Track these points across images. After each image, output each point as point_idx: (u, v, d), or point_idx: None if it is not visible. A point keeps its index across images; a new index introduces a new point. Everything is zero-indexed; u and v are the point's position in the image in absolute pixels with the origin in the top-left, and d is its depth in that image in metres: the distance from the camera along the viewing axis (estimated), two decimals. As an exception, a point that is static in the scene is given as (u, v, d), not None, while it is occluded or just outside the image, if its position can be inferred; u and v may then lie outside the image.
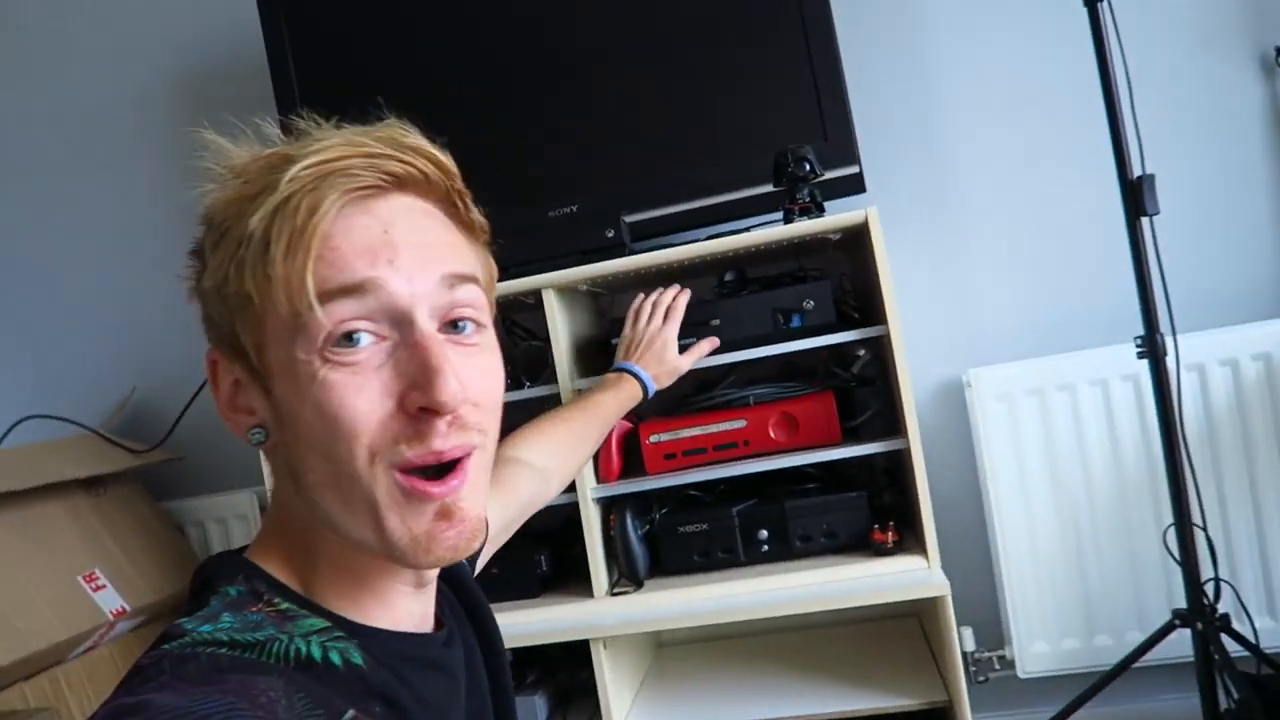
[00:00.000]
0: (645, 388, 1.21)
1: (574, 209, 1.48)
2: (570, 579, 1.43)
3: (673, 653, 1.62)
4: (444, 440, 0.51)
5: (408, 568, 0.56)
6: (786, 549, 1.33)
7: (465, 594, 0.70)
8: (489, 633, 0.70)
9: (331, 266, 0.50)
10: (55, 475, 1.55)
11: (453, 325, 0.54)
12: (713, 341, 1.28)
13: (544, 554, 1.41)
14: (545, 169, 1.53)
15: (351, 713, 0.49)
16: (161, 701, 0.42)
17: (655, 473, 1.35)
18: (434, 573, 0.61)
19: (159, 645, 0.48)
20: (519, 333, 1.51)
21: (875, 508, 1.34)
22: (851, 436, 1.32)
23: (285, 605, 0.53)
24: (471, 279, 0.55)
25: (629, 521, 1.34)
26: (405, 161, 0.53)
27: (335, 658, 0.51)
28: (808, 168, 1.25)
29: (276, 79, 1.62)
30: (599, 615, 1.31)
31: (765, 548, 1.33)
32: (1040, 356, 1.49)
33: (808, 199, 1.26)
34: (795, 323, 1.29)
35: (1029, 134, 1.57)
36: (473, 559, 0.80)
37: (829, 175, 1.32)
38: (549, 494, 1.03)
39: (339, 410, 0.50)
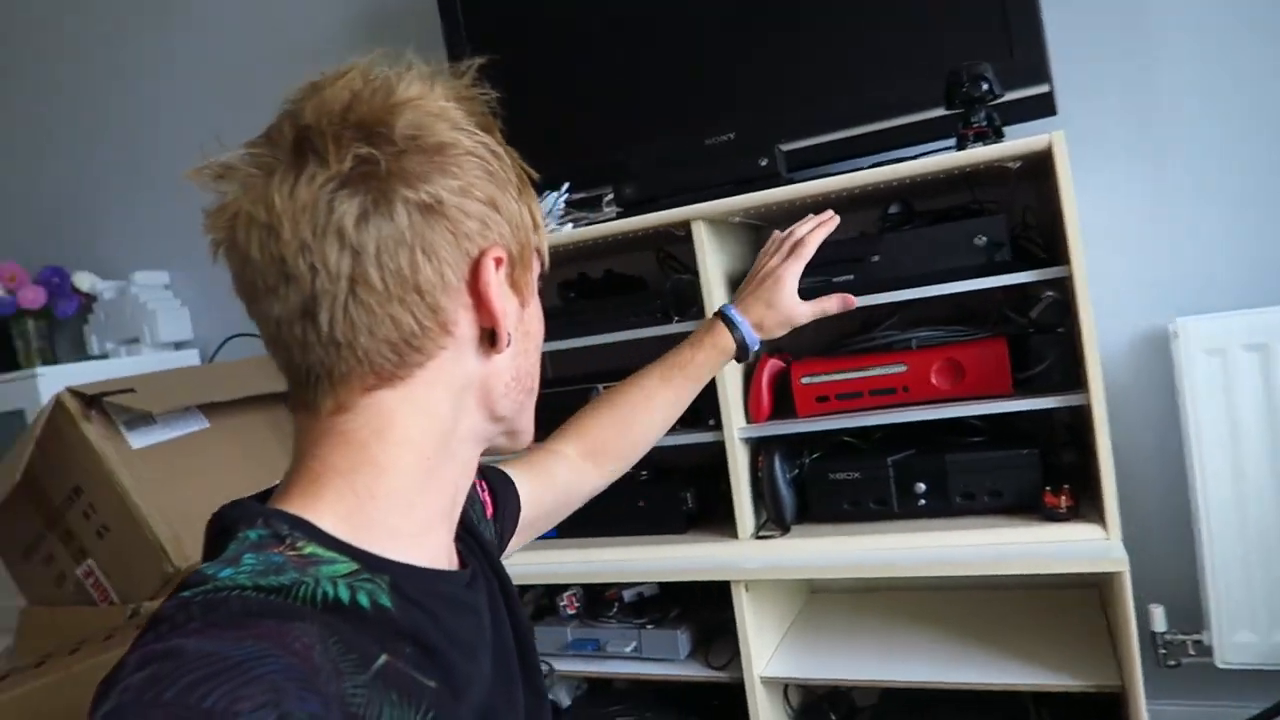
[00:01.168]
0: (744, 338, 1.03)
1: (731, 136, 1.41)
2: (715, 518, 1.41)
3: (825, 600, 1.57)
4: None
5: (519, 449, 0.69)
6: (945, 505, 1.24)
7: (480, 540, 0.72)
8: (504, 579, 0.73)
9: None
10: (257, 389, 1.71)
11: None
12: (846, 300, 1.07)
13: (690, 491, 1.39)
14: (703, 95, 1.47)
15: (385, 658, 0.49)
16: (195, 647, 0.42)
17: (806, 415, 1.29)
18: (460, 508, 0.64)
19: (178, 593, 0.48)
20: (672, 265, 1.47)
21: (1049, 468, 1.22)
22: (1025, 388, 1.20)
23: (309, 549, 0.52)
24: None
25: (777, 464, 1.30)
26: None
27: (363, 599, 0.51)
28: (985, 87, 1.12)
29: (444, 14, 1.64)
30: (742, 557, 1.28)
31: (922, 502, 1.25)
32: (1262, 307, 1.28)
33: (984, 123, 1.14)
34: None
35: (1256, 49, 1.33)
36: (503, 538, 0.84)
37: (1012, 96, 1.18)
38: (598, 477, 1.03)
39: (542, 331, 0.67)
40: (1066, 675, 1.12)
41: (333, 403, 0.56)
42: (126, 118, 2.42)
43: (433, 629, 0.54)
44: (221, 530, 0.54)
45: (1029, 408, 1.15)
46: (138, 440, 1.57)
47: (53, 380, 2.04)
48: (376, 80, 0.57)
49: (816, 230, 1.07)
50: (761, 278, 1.06)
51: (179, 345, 2.35)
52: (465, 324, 0.58)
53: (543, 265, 0.66)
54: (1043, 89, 1.23)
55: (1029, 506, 1.19)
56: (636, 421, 1.05)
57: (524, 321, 0.63)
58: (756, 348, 1.05)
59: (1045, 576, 1.41)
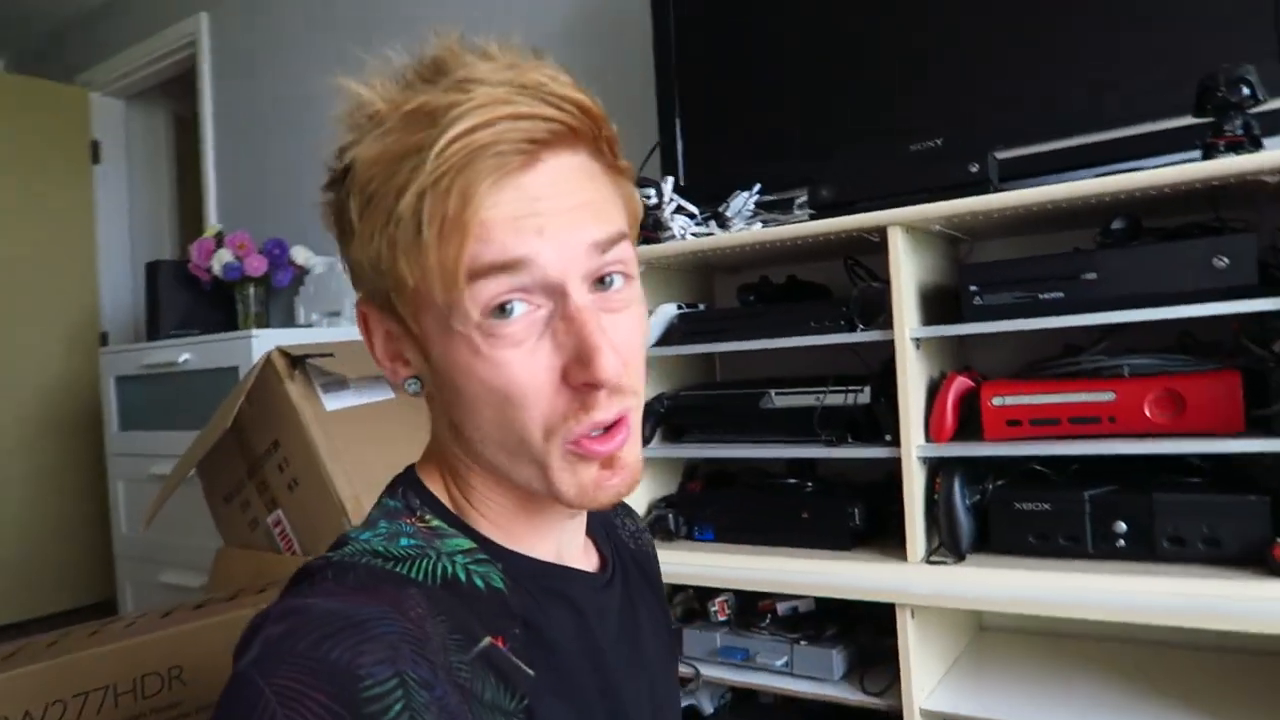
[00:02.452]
0: None
1: (939, 142, 1.35)
2: (883, 538, 1.34)
3: (995, 638, 1.46)
4: (605, 411, 0.52)
5: (565, 504, 0.56)
6: (1149, 549, 1.12)
7: (651, 568, 0.73)
8: (662, 602, 0.72)
9: (482, 242, 0.49)
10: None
11: (600, 281, 0.53)
12: None
13: (858, 507, 1.34)
14: (910, 97, 1.42)
15: (488, 640, 0.51)
16: (325, 606, 0.46)
17: (994, 439, 1.21)
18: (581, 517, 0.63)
19: (327, 552, 0.53)
20: (860, 272, 1.42)
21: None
22: (1259, 428, 1.07)
23: (436, 522, 0.56)
24: (620, 237, 0.54)
25: (957, 487, 1.22)
26: (552, 118, 0.50)
27: (478, 581, 0.53)
28: (1246, 91, 1.01)
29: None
30: (910, 581, 1.21)
31: (1121, 543, 1.13)
32: None
33: (1240, 131, 1.02)
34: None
35: None
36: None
37: (1277, 104, 1.06)
38: None
39: (507, 386, 0.51)
40: (1285, 759, 0.99)
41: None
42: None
43: (541, 615, 0.55)
44: (386, 489, 0.60)
45: (1263, 449, 1.02)
46: (331, 402, 1.68)
47: (265, 342, 2.23)
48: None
49: None
50: None
51: (374, 322, 2.50)
52: None
53: (472, 287, 0.49)
54: (1314, 96, 1.09)
55: (1252, 559, 1.05)
56: None
57: (436, 370, 0.53)
58: None
59: (1261, 644, 1.25)
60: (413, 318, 0.53)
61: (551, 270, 0.50)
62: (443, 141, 0.48)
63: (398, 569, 0.51)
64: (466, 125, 0.48)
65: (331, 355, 1.67)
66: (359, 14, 2.60)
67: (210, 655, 1.19)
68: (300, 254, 2.61)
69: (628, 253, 0.55)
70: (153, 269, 2.74)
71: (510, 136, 0.49)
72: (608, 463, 0.54)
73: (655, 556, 0.79)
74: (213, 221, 3.00)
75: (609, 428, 0.53)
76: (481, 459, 0.55)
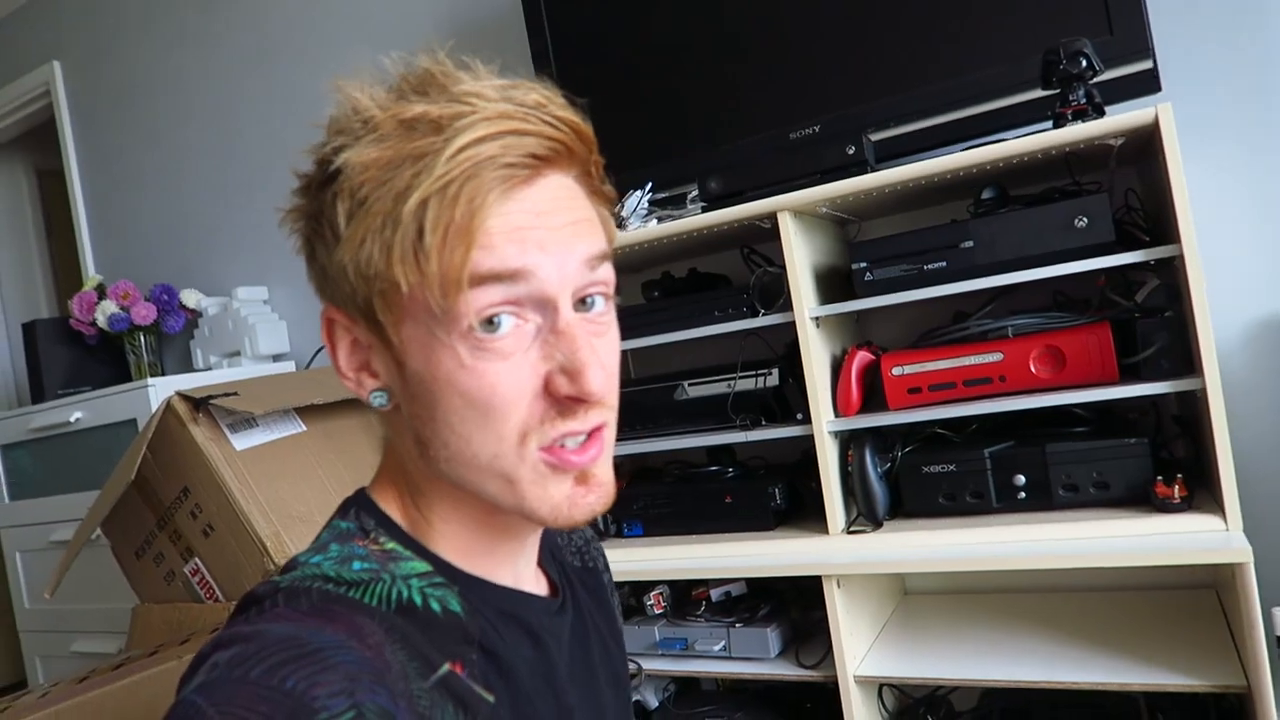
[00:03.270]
0: None
1: (816, 129, 1.41)
2: (805, 514, 1.39)
3: (919, 601, 1.52)
4: (584, 421, 0.52)
5: (538, 523, 0.57)
6: (1047, 498, 1.19)
7: (597, 583, 0.72)
8: (613, 624, 0.72)
9: (483, 250, 0.49)
10: (349, 393, 1.76)
11: (582, 302, 0.53)
12: None
13: (778, 487, 1.38)
14: (786, 88, 1.47)
15: (447, 667, 0.50)
16: (279, 631, 0.44)
17: (898, 408, 1.27)
18: (537, 532, 0.62)
19: (276, 576, 0.51)
20: (756, 259, 1.47)
21: (1160, 459, 1.16)
22: (1131, 375, 1.15)
23: (390, 544, 0.55)
24: (606, 257, 0.55)
25: (868, 458, 1.28)
26: (553, 138, 0.51)
27: (435, 605, 0.52)
28: (1084, 63, 1.09)
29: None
30: (833, 553, 1.26)
31: (1022, 495, 1.20)
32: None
33: (1084, 100, 1.10)
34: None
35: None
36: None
37: (1112, 74, 1.14)
38: None
39: (490, 397, 0.50)
40: (1184, 675, 1.06)
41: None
42: (223, 144, 2.55)
43: (499, 641, 0.55)
44: (338, 510, 0.58)
45: (1138, 393, 1.10)
46: (240, 442, 1.63)
47: (162, 390, 2.15)
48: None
49: None
50: None
51: (276, 357, 2.44)
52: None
53: (462, 298, 0.49)
54: (1145, 65, 1.18)
55: (1139, 499, 1.13)
56: None
57: (409, 381, 0.52)
58: None
59: (1157, 576, 1.35)
60: (394, 326, 0.51)
61: (548, 284, 0.50)
62: (451, 149, 0.47)
63: (351, 594, 0.50)
64: (474, 136, 0.48)
65: (236, 394, 1.62)
66: (211, 49, 2.53)
67: (135, 714, 1.14)
68: (190, 297, 2.52)
69: (610, 273, 0.56)
70: (29, 329, 2.60)
71: (515, 150, 0.49)
72: (582, 478, 0.54)
73: (605, 567, 0.78)
74: (92, 273, 2.87)
75: (585, 440, 0.53)
76: (447, 477, 0.54)
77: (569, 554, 0.73)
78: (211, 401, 1.59)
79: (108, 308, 2.48)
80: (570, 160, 0.53)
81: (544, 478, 0.52)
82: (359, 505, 0.57)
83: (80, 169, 2.95)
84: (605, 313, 0.55)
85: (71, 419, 2.34)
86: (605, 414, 0.54)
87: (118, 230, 2.89)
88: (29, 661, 2.68)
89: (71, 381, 2.60)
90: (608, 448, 0.55)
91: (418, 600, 0.52)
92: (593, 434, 0.53)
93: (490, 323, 0.50)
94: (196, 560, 1.63)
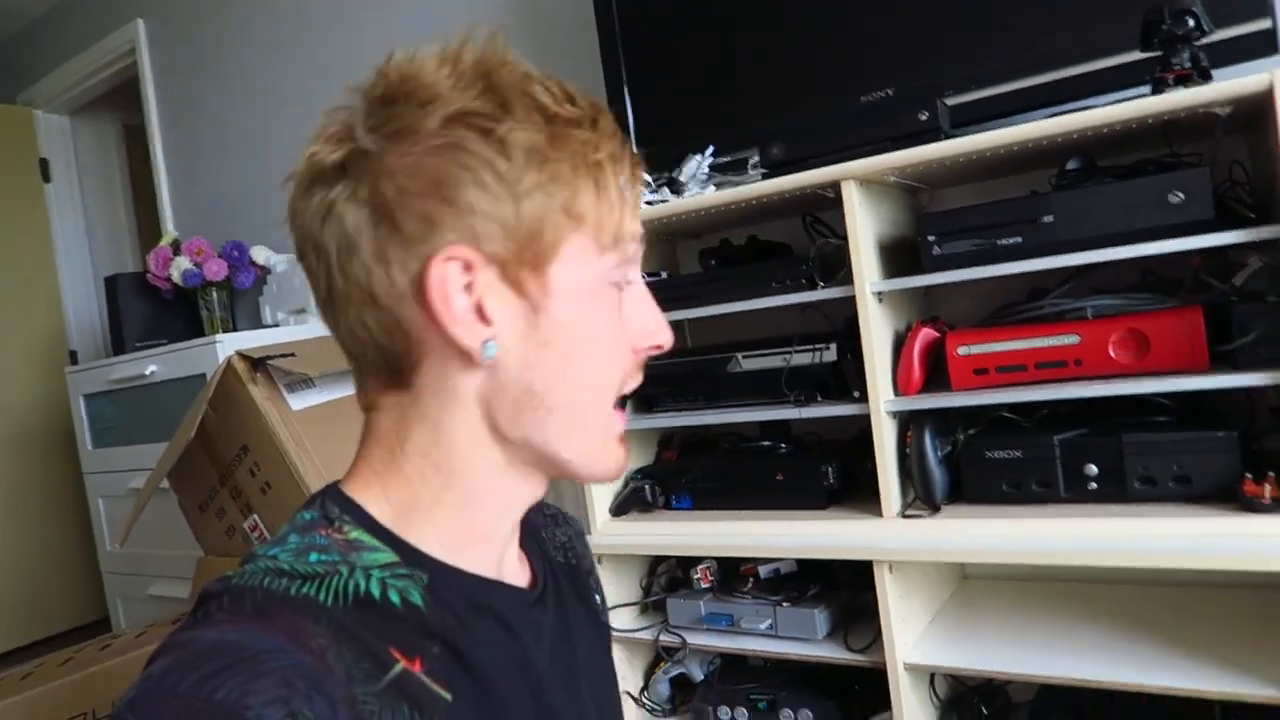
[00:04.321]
0: None
1: (889, 92, 1.33)
2: (859, 495, 1.33)
3: (979, 586, 1.46)
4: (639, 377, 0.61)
5: (591, 481, 0.64)
6: (1121, 490, 1.11)
7: (582, 584, 0.71)
8: (598, 620, 0.71)
9: (634, 215, 0.57)
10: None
11: None
12: None
13: (832, 465, 1.33)
14: (857, 49, 1.39)
15: (400, 667, 0.48)
16: (213, 638, 0.43)
17: (962, 389, 1.20)
18: (517, 520, 0.61)
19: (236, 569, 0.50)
20: (819, 229, 1.40)
21: (1251, 454, 1.07)
22: (1224, 363, 1.06)
23: (354, 534, 0.53)
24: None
25: (928, 440, 1.22)
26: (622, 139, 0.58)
27: (394, 596, 0.51)
28: (1191, 23, 0.99)
29: None
30: (886, 537, 1.21)
31: (1093, 485, 1.13)
32: None
33: (1189, 64, 1.00)
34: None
35: None
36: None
37: (1224, 35, 1.04)
38: None
39: (613, 348, 0.57)
40: (1264, 684, 0.99)
41: (364, 398, 0.57)
42: (301, 105, 2.56)
43: (463, 634, 0.53)
44: (304, 503, 0.56)
45: (1229, 385, 1.01)
46: (297, 402, 1.65)
47: (229, 347, 2.20)
48: (408, 56, 0.53)
49: None
50: None
51: (341, 314, 2.46)
52: (432, 334, 0.52)
53: (622, 252, 0.56)
54: (1263, 24, 1.07)
55: (1224, 496, 1.05)
56: None
57: (540, 329, 0.53)
58: None
59: (1241, 575, 1.26)
60: (544, 270, 0.53)
61: (641, 249, 0.59)
62: (604, 125, 0.55)
63: (304, 589, 0.48)
64: (608, 121, 0.56)
65: (293, 355, 1.64)
66: (294, 12, 2.54)
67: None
68: (260, 254, 2.57)
69: None
70: (111, 283, 2.69)
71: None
72: (622, 437, 0.60)
73: (590, 567, 0.76)
74: (170, 229, 2.95)
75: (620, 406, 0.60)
76: (531, 435, 0.55)
77: (553, 549, 0.71)
78: (269, 362, 1.61)
79: (182, 263, 2.54)
80: None
81: (610, 439, 0.58)
82: (325, 495, 0.55)
83: (161, 127, 3.02)
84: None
85: (147, 371, 2.42)
86: None
87: (196, 187, 2.96)
88: (111, 602, 2.81)
89: (149, 334, 2.69)
90: None
91: (375, 592, 0.50)
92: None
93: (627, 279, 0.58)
94: (255, 516, 1.66)
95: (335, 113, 0.54)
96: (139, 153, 3.52)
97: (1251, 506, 1.02)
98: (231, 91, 2.77)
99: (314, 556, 0.50)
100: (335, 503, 0.55)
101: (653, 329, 0.59)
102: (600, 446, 0.58)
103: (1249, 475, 1.03)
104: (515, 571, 0.62)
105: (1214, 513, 1.04)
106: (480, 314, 0.52)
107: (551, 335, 0.53)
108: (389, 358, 0.53)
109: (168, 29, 2.95)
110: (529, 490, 0.59)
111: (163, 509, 2.02)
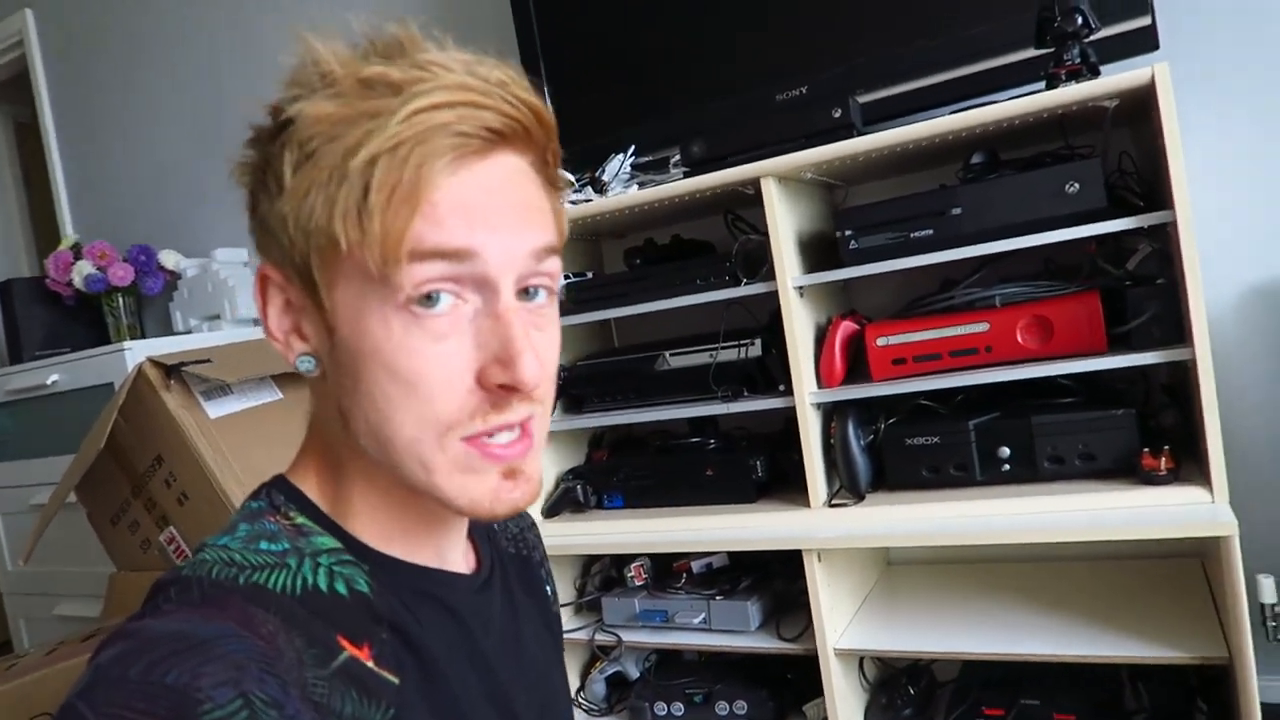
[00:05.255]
0: None
1: (803, 90, 1.36)
2: (787, 487, 1.37)
3: (903, 571, 1.51)
4: (514, 413, 0.50)
5: (473, 517, 0.55)
6: (1032, 470, 1.17)
7: (533, 575, 0.70)
8: (548, 612, 0.70)
9: (430, 223, 0.46)
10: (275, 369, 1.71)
11: (525, 292, 0.51)
12: None
13: (760, 459, 1.35)
14: (772, 48, 1.42)
15: (347, 654, 0.48)
16: (163, 627, 0.43)
17: (882, 379, 1.24)
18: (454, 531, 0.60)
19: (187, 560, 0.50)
20: (740, 226, 1.43)
21: (1148, 430, 1.14)
22: (1120, 345, 1.12)
23: (300, 519, 0.53)
24: (555, 250, 0.53)
25: (851, 430, 1.25)
26: (511, 116, 0.48)
27: (340, 586, 0.51)
28: (1079, 20, 1.04)
29: None
30: (814, 527, 1.24)
31: (1006, 467, 1.18)
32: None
33: (1078, 59, 1.06)
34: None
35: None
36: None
37: (1108, 31, 1.10)
38: None
39: (417, 379, 0.48)
40: (1166, 647, 1.05)
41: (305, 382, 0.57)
42: (204, 101, 2.48)
43: (410, 620, 0.53)
44: (251, 493, 0.56)
45: (1126, 364, 1.07)
46: (215, 410, 1.60)
47: (139, 354, 2.10)
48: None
49: None
50: None
51: (257, 321, 2.39)
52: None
53: (416, 266, 0.47)
54: (1143, 21, 1.14)
55: (1125, 470, 1.11)
56: None
57: (338, 350, 0.50)
58: None
59: (1142, 546, 1.33)
60: (328, 287, 0.49)
61: (492, 266, 0.48)
62: (405, 110, 0.45)
63: (254, 578, 0.48)
64: (430, 101, 0.46)
65: (209, 361, 1.59)
66: (190, 2, 2.45)
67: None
68: (170, 259, 2.47)
69: (557, 267, 0.53)
70: (5, 288, 2.55)
71: (471, 121, 0.47)
72: (509, 473, 0.51)
73: (541, 558, 0.76)
74: (68, 232, 2.82)
75: (514, 433, 0.51)
76: (367, 452, 0.51)
77: (504, 540, 0.71)
78: (184, 368, 1.55)
79: (84, 268, 2.43)
80: (527, 143, 0.50)
81: (465, 470, 0.50)
82: (271, 485, 0.56)
83: (56, 122, 2.88)
84: (547, 306, 0.53)
85: (49, 381, 2.31)
86: (535, 407, 0.52)
87: (96, 187, 2.83)
88: (14, 623, 2.67)
89: (50, 342, 2.56)
90: (537, 444, 0.53)
91: (323, 584, 0.50)
92: (523, 427, 0.51)
93: (428, 299, 0.47)
94: (172, 529, 1.60)
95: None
96: (31, 149, 3.34)
97: (1150, 479, 1.08)
98: (130, 85, 2.65)
99: (264, 544, 0.50)
100: (280, 490, 0.55)
101: (505, 364, 0.48)
102: (445, 478, 0.50)
103: (1147, 450, 1.09)
104: (459, 560, 0.61)
105: (1116, 487, 1.10)
106: (298, 329, 0.52)
107: (341, 356, 0.50)
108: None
109: (58, 19, 2.81)
110: (435, 508, 0.56)
111: (69, 524, 1.93)
